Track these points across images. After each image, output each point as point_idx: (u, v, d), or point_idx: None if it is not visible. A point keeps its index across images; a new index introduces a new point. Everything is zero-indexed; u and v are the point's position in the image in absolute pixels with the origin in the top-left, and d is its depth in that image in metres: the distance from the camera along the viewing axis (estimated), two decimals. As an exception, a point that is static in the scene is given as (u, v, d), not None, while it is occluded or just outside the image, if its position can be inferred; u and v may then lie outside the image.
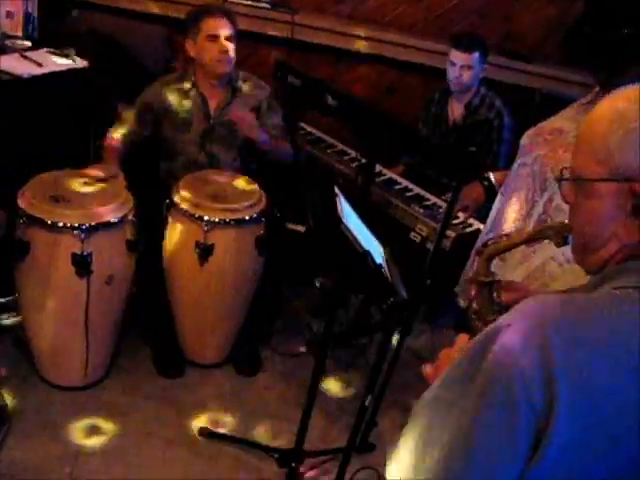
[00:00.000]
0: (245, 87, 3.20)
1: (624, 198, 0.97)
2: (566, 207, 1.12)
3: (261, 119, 3.15)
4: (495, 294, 1.37)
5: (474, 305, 1.38)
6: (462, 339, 1.22)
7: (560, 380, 0.87)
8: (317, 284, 3.31)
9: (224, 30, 3.04)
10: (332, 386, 3.20)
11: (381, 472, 2.75)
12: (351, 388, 3.20)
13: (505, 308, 1.33)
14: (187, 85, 3.14)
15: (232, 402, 3.02)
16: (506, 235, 1.43)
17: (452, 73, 3.36)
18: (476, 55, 3.31)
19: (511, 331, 0.92)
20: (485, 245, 1.41)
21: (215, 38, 3.02)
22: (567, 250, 1.72)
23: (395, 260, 2.13)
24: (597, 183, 1.00)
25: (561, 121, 1.88)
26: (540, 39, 3.88)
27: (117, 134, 3.14)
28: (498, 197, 2.07)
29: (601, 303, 0.95)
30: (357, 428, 2.10)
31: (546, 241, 1.80)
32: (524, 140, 1.95)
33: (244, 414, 2.97)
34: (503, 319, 0.97)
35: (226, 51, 3.03)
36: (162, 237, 2.95)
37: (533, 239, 1.37)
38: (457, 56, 3.32)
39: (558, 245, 1.27)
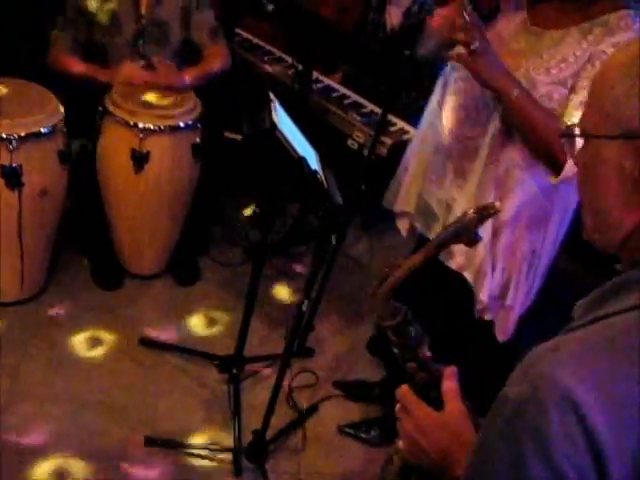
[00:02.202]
0: None
1: (631, 159, 0.84)
2: None
3: (189, 18, 3.02)
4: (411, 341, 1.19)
5: (395, 350, 1.21)
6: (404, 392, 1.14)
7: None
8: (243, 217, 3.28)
9: None
10: (274, 293, 3.24)
11: (319, 375, 2.84)
12: (293, 295, 3.25)
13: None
14: None
15: (172, 312, 3.04)
16: (394, 266, 1.19)
17: None
18: None
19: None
20: (379, 285, 1.19)
21: None
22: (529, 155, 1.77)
23: (332, 167, 2.13)
24: (605, 142, 0.88)
25: (500, 26, 1.86)
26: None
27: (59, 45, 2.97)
28: (431, 109, 2.05)
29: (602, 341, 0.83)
30: (294, 333, 2.14)
31: (509, 147, 1.83)
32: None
33: (184, 323, 3.00)
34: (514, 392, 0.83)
35: None
36: (96, 146, 2.87)
37: (433, 255, 1.16)
38: None
39: (470, 245, 1.14)
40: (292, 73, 3.22)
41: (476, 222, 1.11)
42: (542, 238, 1.93)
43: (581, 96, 1.64)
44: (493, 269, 1.98)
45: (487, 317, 2.04)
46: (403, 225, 2.20)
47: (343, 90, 3.23)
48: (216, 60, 3.07)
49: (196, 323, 3.01)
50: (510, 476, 0.81)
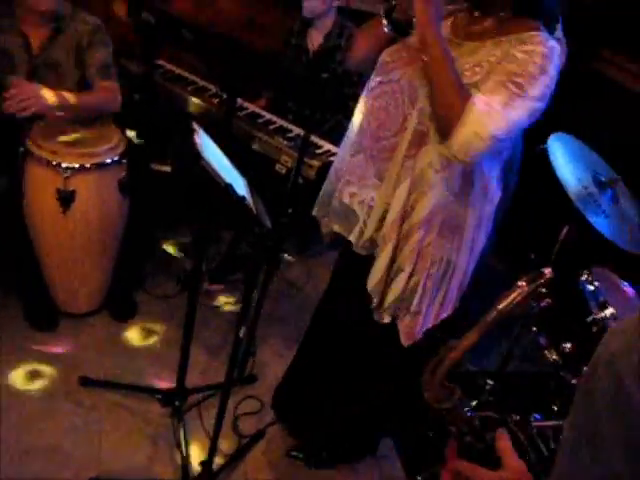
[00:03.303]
0: (72, 24, 2.95)
1: None
2: None
3: (83, 57, 2.96)
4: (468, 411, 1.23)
5: (452, 428, 1.26)
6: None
7: None
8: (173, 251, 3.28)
9: None
10: (214, 322, 3.22)
11: (264, 401, 2.83)
12: (232, 323, 3.23)
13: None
14: (6, 22, 2.87)
15: (110, 348, 3.00)
16: (449, 347, 1.20)
17: None
18: None
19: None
20: (433, 371, 1.20)
21: None
22: (444, 158, 1.82)
23: (262, 193, 2.14)
24: None
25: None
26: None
27: None
28: (357, 117, 2.09)
29: None
30: (233, 361, 2.13)
31: (425, 147, 1.88)
32: (384, 58, 1.99)
33: (123, 359, 2.95)
34: None
35: None
36: (20, 186, 2.82)
37: (487, 332, 1.18)
38: None
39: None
40: (217, 102, 3.23)
41: (529, 294, 1.12)
42: (456, 247, 1.98)
43: (490, 86, 1.73)
44: (398, 272, 2.01)
45: (385, 320, 2.08)
46: (325, 230, 2.23)
47: (268, 116, 3.26)
48: (102, 95, 2.98)
49: (135, 358, 2.97)
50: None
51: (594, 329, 2.43)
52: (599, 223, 2.46)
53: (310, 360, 2.52)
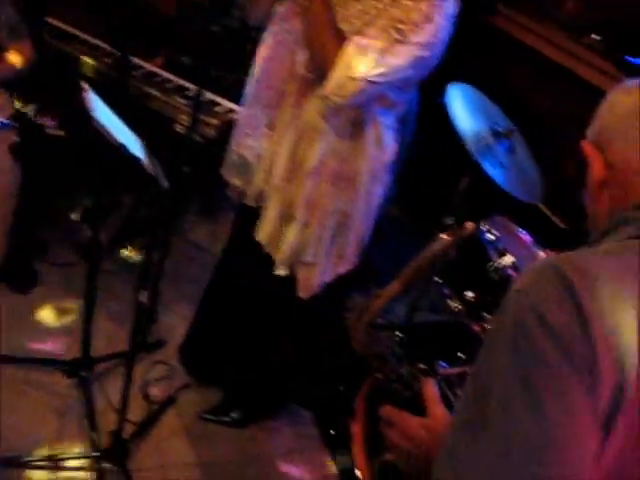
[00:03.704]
0: None
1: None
2: None
3: None
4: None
5: (379, 375, 1.29)
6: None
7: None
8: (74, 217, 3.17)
9: None
10: (117, 288, 3.13)
11: (173, 365, 2.80)
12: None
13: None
14: None
15: (10, 321, 2.86)
16: (374, 296, 1.27)
17: None
18: None
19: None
20: (359, 316, 1.25)
21: None
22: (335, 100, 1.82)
23: (161, 153, 2.08)
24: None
25: None
26: None
27: None
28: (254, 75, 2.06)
29: (610, 249, 0.95)
30: (137, 327, 2.09)
31: (313, 95, 1.87)
32: (278, 8, 1.97)
33: (25, 331, 2.84)
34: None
35: None
36: None
37: (411, 282, 1.24)
38: None
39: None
40: (110, 61, 3.10)
41: (451, 246, 1.15)
42: (351, 199, 1.99)
43: (371, 31, 1.74)
44: (290, 221, 2.02)
45: (281, 272, 2.08)
46: (232, 188, 2.21)
47: (165, 75, 3.15)
48: (18, 58, 2.86)
49: (38, 330, 2.87)
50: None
51: (495, 277, 2.49)
52: (496, 174, 2.52)
53: (211, 318, 2.49)
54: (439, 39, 1.74)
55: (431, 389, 1.19)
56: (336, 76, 1.71)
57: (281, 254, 2.05)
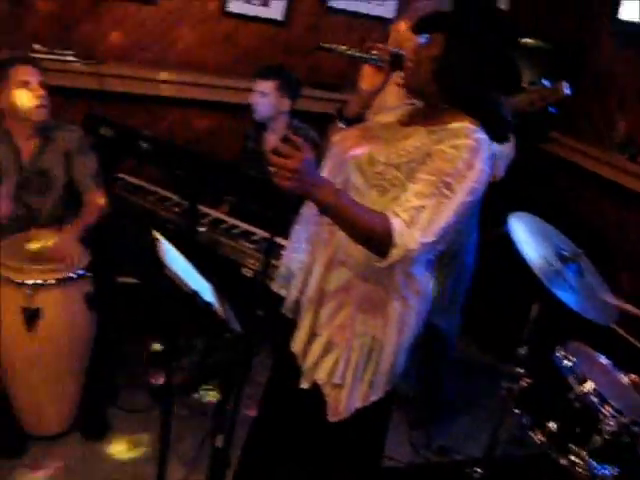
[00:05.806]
0: (56, 133, 3.06)
1: None
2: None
3: (72, 163, 3.06)
4: None
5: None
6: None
7: None
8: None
9: (35, 77, 2.92)
10: (190, 432, 3.10)
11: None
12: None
13: None
14: None
15: (84, 472, 2.86)
16: None
17: (251, 100, 3.47)
18: (272, 83, 3.43)
19: None
20: None
21: (27, 84, 2.90)
22: None
23: (230, 298, 2.13)
24: None
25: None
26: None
27: None
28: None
29: None
30: (213, 472, 2.06)
31: None
32: (334, 138, 2.09)
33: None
34: None
35: (42, 96, 2.92)
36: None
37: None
38: (256, 84, 3.45)
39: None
40: (178, 211, 3.24)
41: None
42: (381, 324, 1.97)
43: (419, 186, 1.75)
44: (314, 336, 2.04)
45: (304, 385, 2.07)
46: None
47: (232, 221, 3.27)
48: (95, 208, 3.08)
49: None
50: None
51: (577, 405, 2.40)
52: (567, 298, 2.48)
53: (261, 438, 2.42)
54: (480, 183, 1.77)
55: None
56: (394, 256, 1.71)
57: (306, 366, 2.05)
